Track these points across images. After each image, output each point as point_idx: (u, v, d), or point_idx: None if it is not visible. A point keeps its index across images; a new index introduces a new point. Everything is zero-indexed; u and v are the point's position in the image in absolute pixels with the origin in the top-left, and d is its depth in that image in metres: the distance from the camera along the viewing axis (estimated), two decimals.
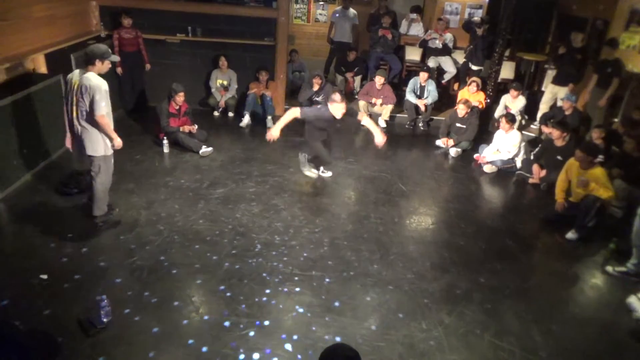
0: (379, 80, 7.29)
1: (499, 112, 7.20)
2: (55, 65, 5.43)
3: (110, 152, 4.03)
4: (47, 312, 3.22)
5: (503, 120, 6.10)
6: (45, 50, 5.34)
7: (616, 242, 4.45)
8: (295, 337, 3.19)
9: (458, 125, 6.63)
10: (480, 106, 7.10)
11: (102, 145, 3.95)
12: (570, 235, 4.67)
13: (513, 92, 7.00)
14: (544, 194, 5.55)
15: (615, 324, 3.62)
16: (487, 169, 6.11)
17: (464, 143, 6.54)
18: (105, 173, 4.08)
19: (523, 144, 6.17)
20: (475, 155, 6.35)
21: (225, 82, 7.25)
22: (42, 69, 5.33)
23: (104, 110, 3.81)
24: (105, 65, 3.88)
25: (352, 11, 8.58)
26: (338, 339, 3.18)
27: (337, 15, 8.65)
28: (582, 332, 3.50)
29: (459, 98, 7.42)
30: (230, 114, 7.35)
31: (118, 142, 4.00)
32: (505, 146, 6.10)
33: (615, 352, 3.35)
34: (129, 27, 6.73)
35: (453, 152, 6.50)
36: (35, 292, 3.39)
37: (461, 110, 6.55)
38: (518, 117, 7.17)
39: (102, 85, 3.78)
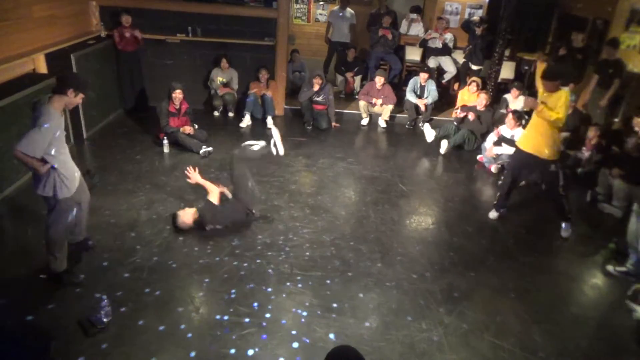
0: (379, 80, 7.28)
1: (503, 110, 7.24)
2: (55, 65, 5.44)
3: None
4: (47, 312, 3.22)
5: (510, 116, 5.98)
6: (45, 50, 5.35)
7: (616, 242, 4.45)
8: (295, 337, 3.19)
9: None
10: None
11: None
12: (563, 232, 4.71)
13: (514, 92, 6.99)
14: (544, 194, 5.55)
15: (615, 324, 3.62)
16: (495, 169, 6.07)
17: (459, 136, 6.54)
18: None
19: None
20: (479, 157, 6.34)
21: (225, 80, 7.25)
22: (42, 69, 5.34)
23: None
24: (78, 99, 3.26)
25: (349, 11, 8.58)
26: (331, 335, 3.19)
27: (335, 15, 8.66)
28: (582, 332, 3.50)
29: (459, 98, 7.43)
30: (231, 114, 7.35)
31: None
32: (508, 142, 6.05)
33: (615, 352, 3.35)
34: (128, 27, 6.74)
35: (443, 150, 6.47)
36: (35, 292, 3.39)
37: (482, 100, 6.51)
38: None
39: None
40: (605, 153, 5.70)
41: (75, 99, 3.23)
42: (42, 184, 3.21)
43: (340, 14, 8.58)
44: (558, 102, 4.18)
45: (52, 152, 3.13)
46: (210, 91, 7.37)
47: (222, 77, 7.23)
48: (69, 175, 3.32)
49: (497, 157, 6.08)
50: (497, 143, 6.09)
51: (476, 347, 3.24)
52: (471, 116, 6.51)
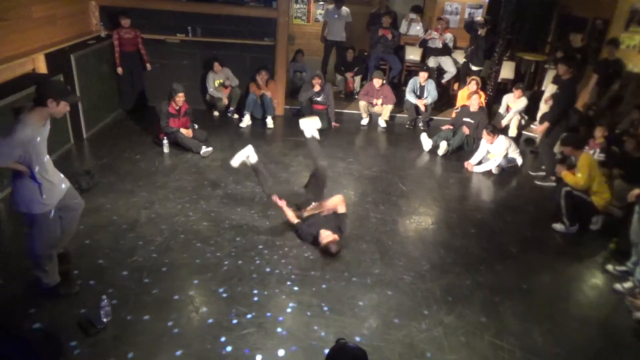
0: (376, 82, 7.29)
1: (502, 110, 7.24)
2: (55, 65, 5.44)
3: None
4: (47, 312, 3.22)
5: (484, 133, 6.02)
6: (45, 50, 5.35)
7: (616, 242, 4.45)
8: (295, 336, 3.19)
9: (467, 120, 6.59)
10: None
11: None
12: (558, 226, 4.81)
13: (517, 92, 7.00)
14: (544, 193, 5.55)
15: (615, 324, 3.62)
16: (495, 170, 6.06)
17: (457, 139, 6.54)
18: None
19: (512, 145, 6.10)
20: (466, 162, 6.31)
21: (221, 81, 7.25)
22: (42, 69, 5.34)
23: None
24: (62, 107, 2.98)
25: (345, 10, 8.57)
26: (331, 335, 3.18)
27: (330, 14, 8.66)
28: (582, 332, 3.50)
29: (459, 98, 7.42)
30: (232, 108, 7.33)
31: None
32: (494, 153, 6.07)
33: (615, 352, 3.35)
34: (128, 27, 6.74)
35: (441, 151, 6.47)
36: (35, 292, 3.39)
37: (474, 101, 6.52)
38: (517, 117, 7.18)
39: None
40: (606, 153, 5.68)
41: (58, 108, 2.94)
42: (16, 197, 3.04)
43: (336, 14, 8.57)
44: (580, 167, 4.70)
45: (33, 158, 2.92)
46: (206, 96, 7.36)
47: (218, 78, 7.23)
48: (47, 186, 3.07)
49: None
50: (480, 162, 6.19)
51: (476, 347, 3.24)
52: (465, 130, 6.51)
